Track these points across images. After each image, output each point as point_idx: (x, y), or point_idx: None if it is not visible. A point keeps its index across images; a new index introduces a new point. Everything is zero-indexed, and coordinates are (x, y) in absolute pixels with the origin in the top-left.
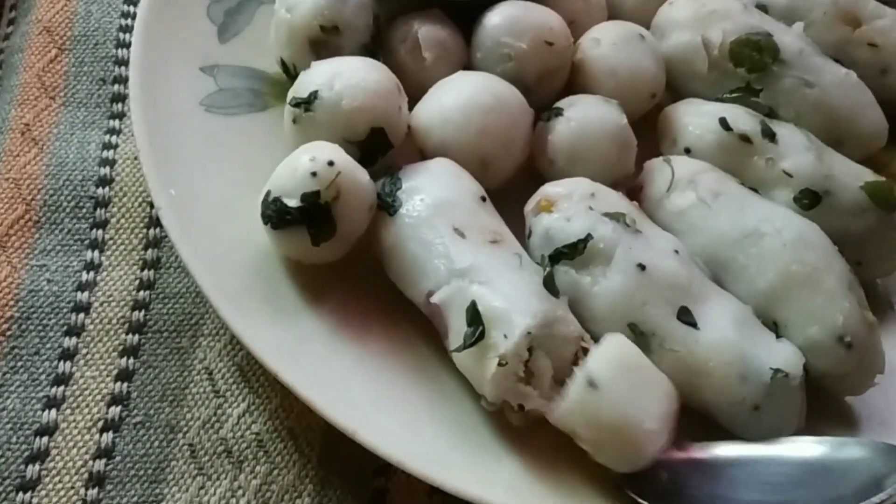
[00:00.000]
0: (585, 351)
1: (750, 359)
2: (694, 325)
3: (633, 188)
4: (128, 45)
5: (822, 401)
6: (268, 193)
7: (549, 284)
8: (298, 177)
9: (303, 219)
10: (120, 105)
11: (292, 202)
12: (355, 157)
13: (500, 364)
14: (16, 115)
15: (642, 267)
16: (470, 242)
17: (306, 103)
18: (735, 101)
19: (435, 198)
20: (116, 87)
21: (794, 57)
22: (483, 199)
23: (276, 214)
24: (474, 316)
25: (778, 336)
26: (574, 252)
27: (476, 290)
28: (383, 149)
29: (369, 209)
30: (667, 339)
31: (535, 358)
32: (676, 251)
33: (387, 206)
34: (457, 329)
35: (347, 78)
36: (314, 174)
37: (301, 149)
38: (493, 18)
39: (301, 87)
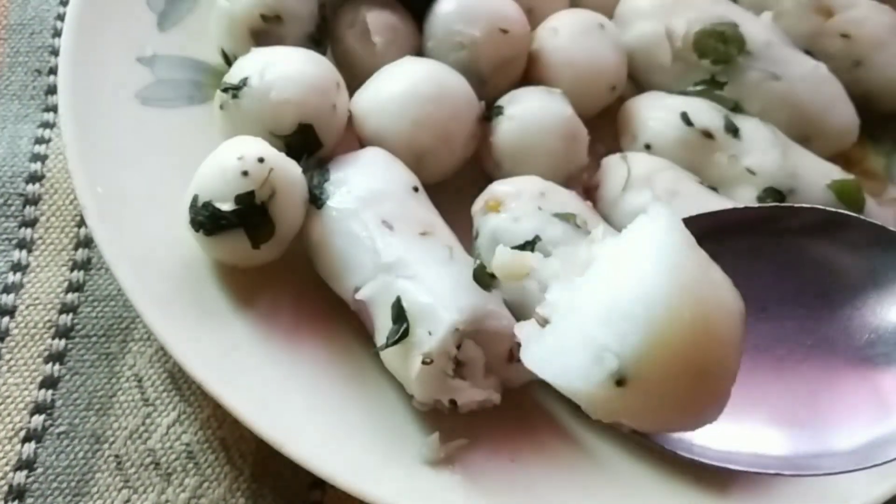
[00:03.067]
0: (520, 346)
1: None
2: None
3: (588, 186)
4: None
5: None
6: (195, 198)
7: (480, 277)
8: (229, 178)
9: (239, 222)
10: (55, 97)
11: (226, 206)
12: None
13: (424, 362)
14: None
15: None
16: (398, 235)
17: (235, 89)
18: (699, 94)
19: (363, 189)
20: (52, 78)
21: (761, 48)
22: (415, 189)
23: (208, 220)
24: (399, 312)
25: None
26: None
27: (402, 284)
28: (311, 147)
29: (304, 203)
30: None
31: (464, 348)
32: None
33: (314, 198)
34: (383, 326)
35: (281, 68)
36: (245, 173)
37: (224, 148)
38: (446, 5)
39: (234, 72)
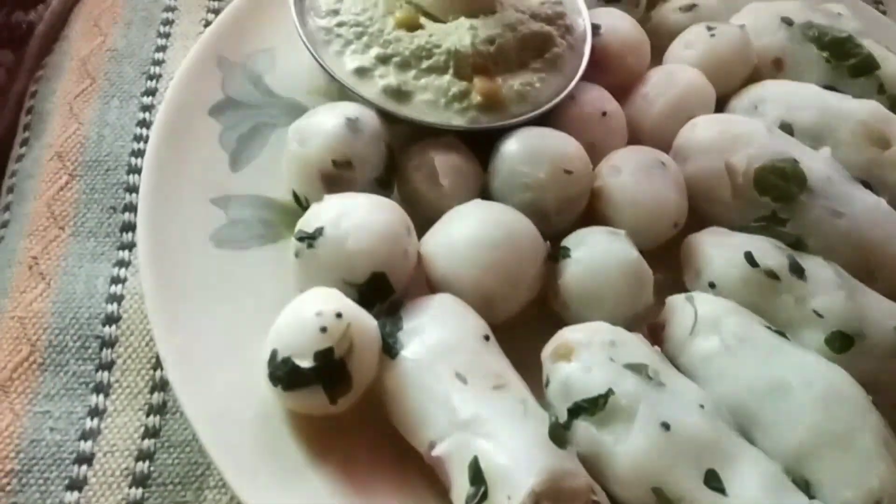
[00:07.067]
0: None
1: None
2: (722, 491)
3: (654, 326)
4: (140, 171)
5: None
6: (274, 353)
7: (555, 435)
8: (308, 334)
9: (318, 378)
10: (130, 235)
11: (305, 363)
12: (353, 300)
13: None
14: (24, 247)
15: (667, 426)
16: (472, 389)
17: (310, 238)
18: (760, 230)
19: (436, 340)
20: (127, 215)
21: (822, 185)
22: (486, 338)
23: (287, 376)
24: (476, 474)
25: (811, 497)
26: (594, 408)
27: (478, 444)
28: (383, 294)
29: (379, 354)
30: None
31: None
32: (702, 405)
33: (388, 347)
34: (460, 484)
35: (355, 218)
36: (324, 329)
37: (302, 301)
38: (510, 146)
39: (308, 220)
